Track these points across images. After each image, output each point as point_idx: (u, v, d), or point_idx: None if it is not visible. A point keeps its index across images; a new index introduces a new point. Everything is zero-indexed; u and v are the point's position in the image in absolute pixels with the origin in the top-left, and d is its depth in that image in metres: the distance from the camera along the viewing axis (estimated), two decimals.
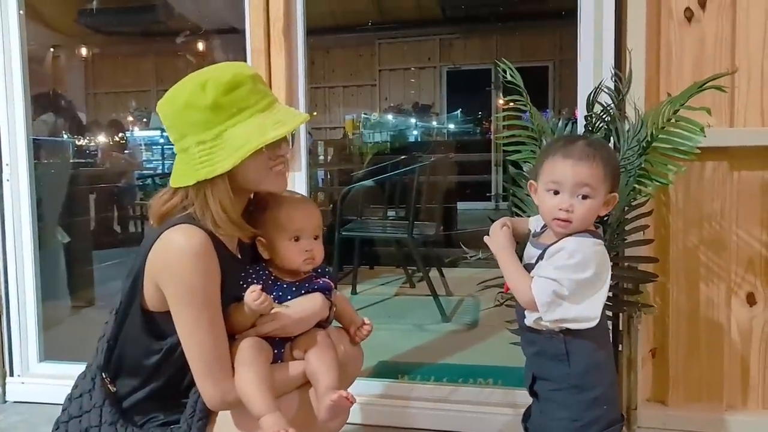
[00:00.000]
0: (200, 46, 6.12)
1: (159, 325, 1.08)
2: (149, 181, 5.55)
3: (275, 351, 1.11)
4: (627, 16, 1.60)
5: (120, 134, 6.28)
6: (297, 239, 1.13)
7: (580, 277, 1.02)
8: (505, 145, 1.49)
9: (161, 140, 6.28)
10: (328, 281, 1.17)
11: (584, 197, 1.05)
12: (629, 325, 1.49)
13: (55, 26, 5.38)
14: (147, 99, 7.70)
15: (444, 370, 2.12)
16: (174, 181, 1.09)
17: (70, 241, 2.92)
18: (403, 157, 3.97)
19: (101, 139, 5.74)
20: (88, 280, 3.11)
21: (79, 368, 1.20)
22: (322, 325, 1.15)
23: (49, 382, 1.97)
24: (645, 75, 1.59)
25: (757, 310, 1.64)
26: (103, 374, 1.13)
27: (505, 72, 1.44)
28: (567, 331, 1.06)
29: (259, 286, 1.04)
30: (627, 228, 1.41)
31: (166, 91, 1.10)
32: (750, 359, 1.66)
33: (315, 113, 7.98)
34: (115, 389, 1.13)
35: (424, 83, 8.19)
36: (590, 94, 1.46)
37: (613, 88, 1.46)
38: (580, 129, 1.55)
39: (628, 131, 1.36)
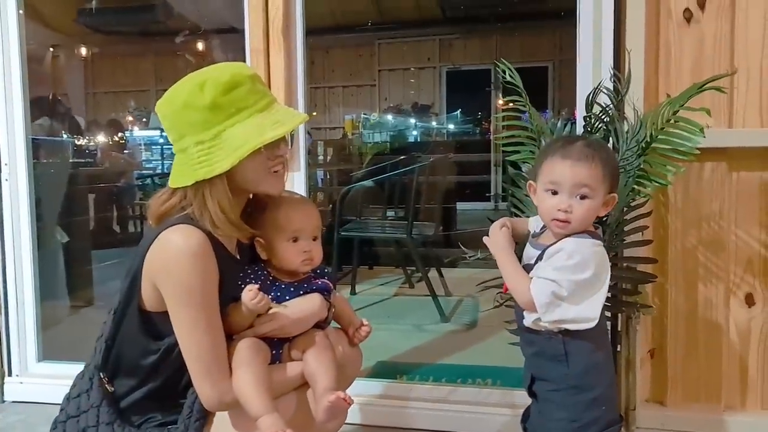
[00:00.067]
0: (200, 45, 6.12)
1: (156, 325, 1.08)
2: (148, 180, 5.54)
3: (273, 352, 1.11)
4: (626, 17, 1.60)
5: (119, 134, 6.28)
6: (295, 240, 1.13)
7: (579, 277, 1.02)
8: (504, 145, 1.50)
9: (161, 140, 6.28)
10: (327, 282, 1.17)
11: (583, 197, 1.05)
12: (628, 326, 1.49)
13: (54, 26, 5.38)
14: (146, 99, 7.70)
15: (443, 371, 2.12)
16: (172, 181, 1.09)
17: (69, 240, 2.92)
18: (402, 157, 3.97)
19: (101, 138, 5.74)
20: (87, 279, 3.11)
21: (77, 368, 1.19)
22: (320, 325, 1.15)
23: (48, 382, 1.97)
24: (644, 75, 1.59)
25: (756, 310, 1.65)
26: (100, 374, 1.13)
27: (504, 72, 1.44)
28: (566, 332, 1.06)
29: (257, 286, 1.04)
30: (626, 229, 1.41)
31: (165, 90, 1.10)
32: (748, 360, 1.66)
33: (315, 113, 7.99)
34: (112, 389, 1.12)
35: (423, 83, 8.19)
36: (589, 94, 1.46)
37: (612, 88, 1.46)
38: (579, 130, 1.55)
39: (627, 132, 1.36)
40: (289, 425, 0.98)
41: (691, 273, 1.65)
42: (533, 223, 1.20)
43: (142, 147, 6.58)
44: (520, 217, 1.40)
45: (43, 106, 3.43)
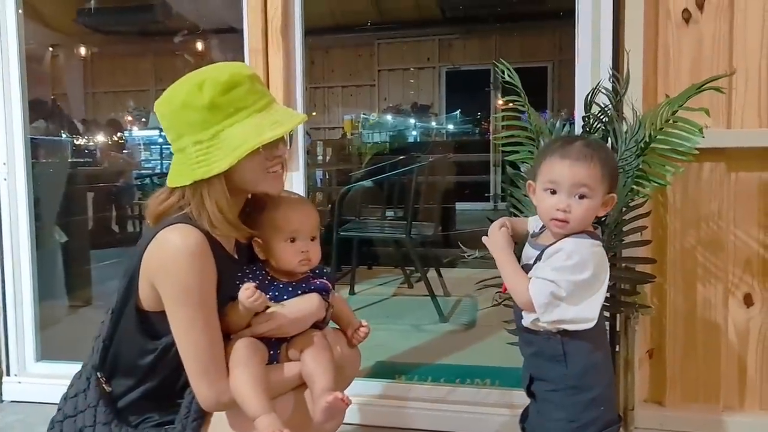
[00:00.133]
0: (199, 45, 6.12)
1: (154, 324, 1.08)
2: (147, 180, 5.54)
3: (271, 352, 1.11)
4: (625, 17, 1.60)
5: (118, 134, 6.28)
6: (293, 240, 1.13)
7: (578, 278, 1.02)
8: (503, 145, 1.49)
9: (160, 140, 6.27)
10: (325, 282, 1.17)
11: (582, 197, 1.05)
12: (626, 326, 1.49)
13: (53, 25, 5.38)
14: (146, 98, 7.70)
15: (441, 371, 2.12)
16: (171, 181, 1.09)
17: (68, 240, 2.92)
18: (401, 157, 3.97)
19: (100, 138, 5.74)
20: (85, 279, 3.11)
21: (76, 368, 1.19)
22: (318, 326, 1.15)
23: (46, 381, 1.97)
24: (643, 76, 1.59)
25: (754, 311, 1.65)
26: (98, 374, 1.12)
27: (503, 72, 1.44)
28: (564, 332, 1.06)
29: (254, 284, 1.04)
30: (625, 229, 1.41)
31: (164, 90, 1.10)
32: (747, 360, 1.66)
33: (314, 113, 7.99)
34: (110, 389, 1.12)
35: (423, 83, 8.20)
36: (588, 94, 1.46)
37: (610, 88, 1.46)
38: (578, 130, 1.55)
39: (625, 132, 1.36)
40: (287, 425, 0.97)
41: (689, 273, 1.65)
42: (532, 223, 1.20)
43: (141, 147, 6.58)
44: (519, 217, 1.40)
45: (38, 108, 3.43)
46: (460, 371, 2.08)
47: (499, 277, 1.13)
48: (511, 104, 1.45)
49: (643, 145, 1.30)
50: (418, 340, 2.61)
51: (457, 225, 4.48)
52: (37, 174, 2.14)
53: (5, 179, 2.01)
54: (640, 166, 1.31)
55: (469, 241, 1.48)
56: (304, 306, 1.11)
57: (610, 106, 1.43)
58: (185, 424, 1.07)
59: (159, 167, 6.09)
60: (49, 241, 2.72)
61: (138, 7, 6.20)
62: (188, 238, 1.03)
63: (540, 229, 1.16)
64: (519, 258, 1.14)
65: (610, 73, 1.52)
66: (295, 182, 1.80)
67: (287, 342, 1.12)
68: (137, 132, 6.96)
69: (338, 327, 1.25)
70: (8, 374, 2.04)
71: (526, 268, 1.10)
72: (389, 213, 3.95)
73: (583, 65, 1.67)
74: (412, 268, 3.38)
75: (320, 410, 1.01)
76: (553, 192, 1.06)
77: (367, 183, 4.02)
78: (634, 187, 1.34)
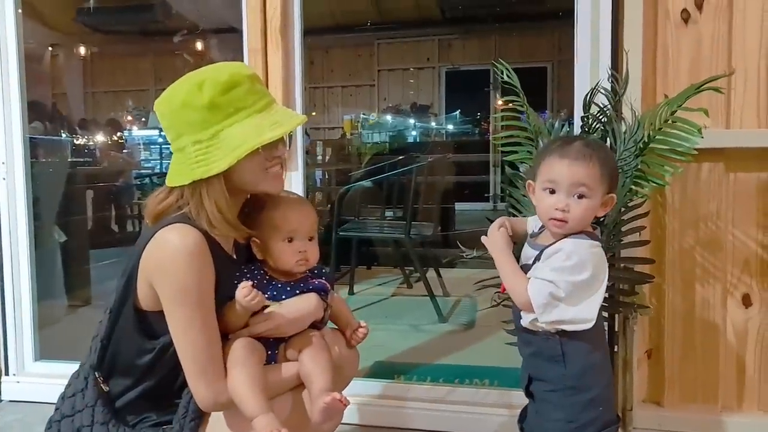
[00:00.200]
0: (198, 45, 6.12)
1: (152, 324, 1.08)
2: (147, 180, 5.54)
3: (269, 352, 1.10)
4: (624, 17, 1.60)
5: (118, 133, 6.28)
6: (290, 240, 1.12)
7: (577, 279, 1.02)
8: (502, 145, 1.50)
9: (159, 139, 6.27)
10: (324, 282, 1.17)
11: (580, 197, 1.05)
12: (625, 326, 1.49)
13: (53, 25, 5.38)
14: (145, 98, 7.70)
15: (440, 371, 2.12)
16: (170, 180, 1.09)
17: (67, 240, 2.92)
18: (401, 157, 3.97)
19: (99, 138, 5.74)
20: (84, 279, 3.11)
21: (75, 368, 1.19)
22: (316, 326, 1.15)
23: (45, 381, 1.97)
24: (642, 76, 1.59)
25: (753, 311, 1.65)
26: (95, 373, 1.12)
27: (502, 73, 1.44)
28: (563, 333, 1.06)
29: (250, 283, 1.04)
30: (623, 229, 1.41)
31: (164, 90, 1.10)
32: (745, 360, 1.66)
33: (314, 113, 7.99)
34: (107, 389, 1.12)
35: (422, 83, 8.20)
36: (587, 95, 1.46)
37: (609, 89, 1.46)
38: (577, 130, 1.55)
39: (624, 132, 1.36)
40: (285, 426, 0.97)
41: (688, 273, 1.65)
42: (532, 223, 1.20)
43: (141, 146, 6.58)
44: (518, 217, 1.40)
45: (35, 110, 3.43)
46: (459, 371, 2.08)
47: (498, 277, 1.13)
48: (510, 104, 1.45)
49: (641, 146, 1.30)
50: (417, 340, 2.61)
51: (456, 225, 4.49)
52: (36, 173, 2.14)
53: (4, 178, 2.01)
54: (639, 167, 1.31)
55: (469, 242, 1.48)
56: (302, 306, 1.11)
57: (609, 106, 1.43)
58: (183, 424, 1.07)
59: (159, 167, 6.09)
60: (49, 240, 2.72)
61: (138, 7, 6.20)
62: (187, 237, 1.03)
63: (539, 229, 1.16)
64: (518, 258, 1.14)
65: (609, 73, 1.52)
66: (294, 182, 1.80)
67: (285, 342, 1.12)
68: (137, 132, 6.96)
69: (337, 327, 1.25)
70: (7, 374, 2.04)
71: (525, 269, 1.10)
72: (388, 213, 3.95)
73: (582, 65, 1.67)
74: (412, 268, 3.38)
75: (318, 411, 1.01)
76: (552, 191, 1.06)
77: (367, 183, 4.02)
78: (633, 187, 1.34)
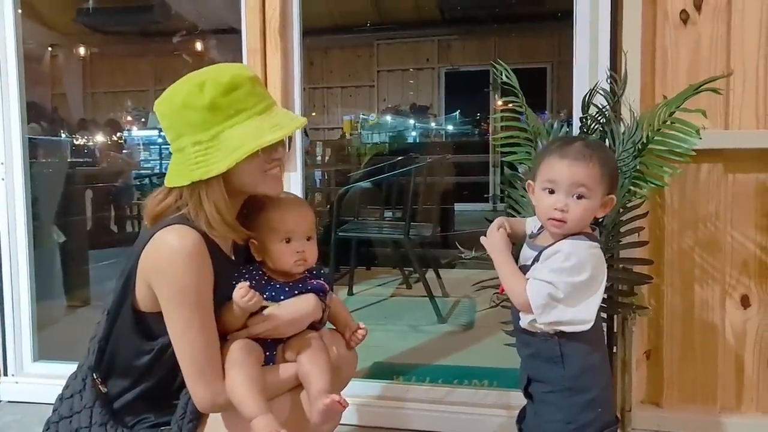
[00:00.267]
0: (198, 46, 6.12)
1: (150, 325, 1.08)
2: (147, 180, 5.54)
3: (267, 353, 1.10)
4: (623, 18, 1.60)
5: (118, 134, 6.28)
6: (288, 241, 1.12)
7: (576, 280, 1.02)
8: (501, 146, 1.50)
9: (159, 140, 6.28)
10: (322, 282, 1.17)
11: (580, 197, 1.05)
12: (624, 327, 1.49)
13: (52, 25, 5.39)
14: (145, 99, 7.70)
15: (439, 372, 2.12)
16: (169, 181, 1.09)
17: (66, 240, 2.91)
18: (400, 158, 3.97)
19: (99, 138, 5.74)
20: (83, 279, 3.10)
21: (73, 368, 1.19)
22: (315, 326, 1.15)
23: (44, 381, 1.97)
24: (640, 77, 1.59)
25: (752, 312, 1.65)
26: (94, 375, 1.12)
27: (501, 73, 1.44)
28: (561, 334, 1.06)
29: (248, 283, 1.03)
30: (622, 230, 1.41)
31: (163, 90, 1.10)
32: (744, 361, 1.66)
33: (313, 114, 7.99)
34: (105, 390, 1.12)
35: (422, 84, 8.20)
36: (585, 95, 1.46)
37: (608, 89, 1.46)
38: (576, 131, 1.55)
39: (623, 133, 1.36)
40: (283, 427, 0.97)
41: (687, 274, 1.65)
42: (531, 224, 1.20)
43: (141, 147, 6.58)
44: (517, 217, 1.40)
45: (32, 111, 3.44)
46: (458, 372, 2.08)
47: (497, 278, 1.13)
48: (509, 105, 1.45)
49: (640, 146, 1.30)
50: (416, 341, 2.61)
51: (455, 226, 4.48)
52: (35, 174, 2.14)
53: (3, 179, 2.01)
54: (638, 167, 1.31)
55: (468, 242, 1.48)
56: (300, 306, 1.11)
57: (607, 107, 1.43)
58: (181, 425, 1.06)
59: (158, 167, 6.09)
60: (48, 240, 2.72)
61: (137, 7, 6.20)
62: (185, 238, 1.02)
63: (538, 230, 1.16)
64: (517, 259, 1.14)
65: (608, 74, 1.52)
66: (293, 183, 1.80)
67: (284, 343, 1.12)
68: (136, 132, 6.96)
69: (335, 328, 1.25)
70: (5, 374, 2.04)
71: (524, 269, 1.10)
72: (388, 214, 3.95)
73: (581, 66, 1.67)
74: (411, 268, 3.38)
75: (317, 412, 1.01)
76: (552, 191, 1.06)
77: (366, 183, 4.03)
78: (632, 188, 1.34)
